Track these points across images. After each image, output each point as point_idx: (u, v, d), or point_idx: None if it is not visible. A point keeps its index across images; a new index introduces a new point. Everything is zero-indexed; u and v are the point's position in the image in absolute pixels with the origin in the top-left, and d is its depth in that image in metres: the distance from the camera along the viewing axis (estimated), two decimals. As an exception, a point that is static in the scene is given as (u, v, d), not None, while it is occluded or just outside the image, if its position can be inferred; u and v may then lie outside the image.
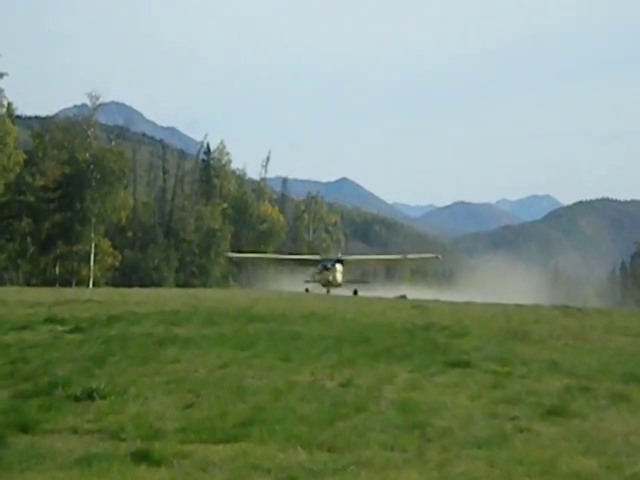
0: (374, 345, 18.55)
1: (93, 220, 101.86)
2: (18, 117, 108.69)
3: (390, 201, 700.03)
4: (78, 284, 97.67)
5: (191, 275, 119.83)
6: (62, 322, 23.59)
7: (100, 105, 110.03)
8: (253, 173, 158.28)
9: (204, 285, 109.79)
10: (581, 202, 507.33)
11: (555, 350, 18.56)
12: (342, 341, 19.17)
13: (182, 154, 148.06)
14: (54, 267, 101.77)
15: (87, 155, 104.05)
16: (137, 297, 40.98)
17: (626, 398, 12.23)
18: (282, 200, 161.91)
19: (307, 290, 79.10)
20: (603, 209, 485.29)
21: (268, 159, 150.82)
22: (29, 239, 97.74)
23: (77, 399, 11.38)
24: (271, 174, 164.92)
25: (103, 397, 11.47)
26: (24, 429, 9.66)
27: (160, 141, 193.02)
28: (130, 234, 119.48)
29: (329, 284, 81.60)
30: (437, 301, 42.98)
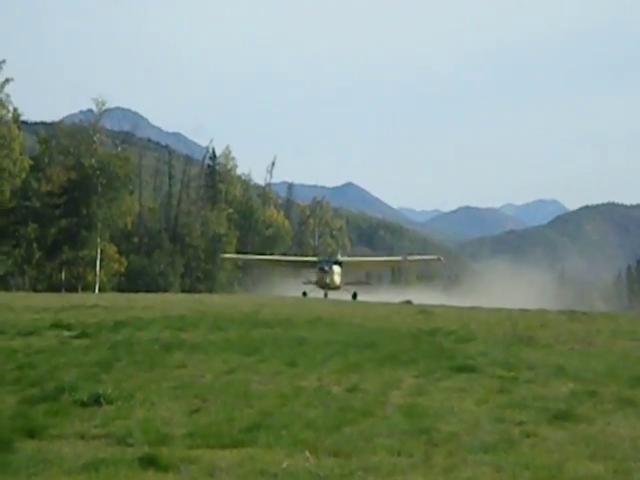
0: (380, 350, 18.55)
1: (99, 225, 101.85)
2: (24, 123, 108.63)
3: (395, 206, 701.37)
4: (84, 289, 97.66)
5: (197, 280, 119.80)
6: (68, 327, 23.65)
7: (106, 111, 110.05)
8: (258, 178, 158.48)
9: (210, 290, 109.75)
10: (587, 207, 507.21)
11: (561, 355, 18.52)
12: (348, 346, 19.18)
13: (188, 159, 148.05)
14: (60, 272, 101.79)
15: (93, 161, 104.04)
16: (143, 302, 41.02)
17: (633, 402, 12.20)
18: (287, 205, 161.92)
19: (304, 293, 77.63)
20: (609, 213, 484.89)
21: (273, 164, 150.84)
22: (35, 245, 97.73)
23: (84, 404, 11.41)
24: (276, 179, 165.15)
25: (110, 402, 11.50)
26: (31, 434, 9.68)
27: (166, 146, 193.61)
28: (136, 239, 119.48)
29: (327, 286, 79.80)
30: (443, 306, 42.91)
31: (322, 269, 79.91)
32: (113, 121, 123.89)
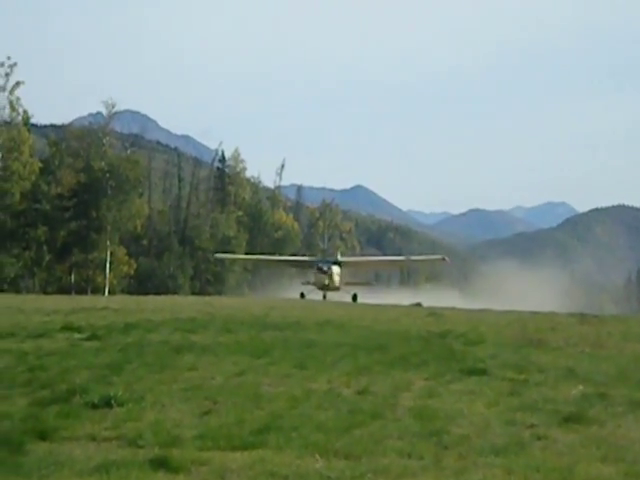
0: (390, 353, 18.54)
1: (109, 228, 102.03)
2: (33, 125, 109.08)
3: (404, 208, 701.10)
4: (94, 292, 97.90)
5: (206, 283, 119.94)
6: (79, 330, 23.73)
7: (115, 113, 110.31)
8: (268, 181, 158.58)
9: (219, 293, 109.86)
10: (597, 209, 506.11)
11: (572, 357, 18.48)
12: (358, 349, 19.18)
13: (197, 162, 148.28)
14: (70, 275, 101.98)
15: (103, 163, 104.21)
16: (153, 305, 41.12)
17: (643, 405, 12.18)
18: (297, 208, 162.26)
19: (302, 295, 75.57)
20: (619, 216, 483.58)
21: (283, 167, 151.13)
22: (45, 247, 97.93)
23: (95, 406, 11.44)
24: (286, 182, 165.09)
25: (121, 404, 11.52)
26: (42, 436, 9.71)
27: (175, 149, 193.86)
28: (145, 242, 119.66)
29: (325, 288, 77.46)
30: (452, 308, 42.89)
31: (321, 269, 77.74)
32: (122, 124, 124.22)
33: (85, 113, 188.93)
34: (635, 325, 31.52)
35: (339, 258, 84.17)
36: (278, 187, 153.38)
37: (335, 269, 78.54)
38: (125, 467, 8.26)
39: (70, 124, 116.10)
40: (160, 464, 8.38)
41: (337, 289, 77.83)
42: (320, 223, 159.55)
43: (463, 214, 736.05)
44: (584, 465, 8.66)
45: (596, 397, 12.79)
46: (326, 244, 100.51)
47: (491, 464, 8.65)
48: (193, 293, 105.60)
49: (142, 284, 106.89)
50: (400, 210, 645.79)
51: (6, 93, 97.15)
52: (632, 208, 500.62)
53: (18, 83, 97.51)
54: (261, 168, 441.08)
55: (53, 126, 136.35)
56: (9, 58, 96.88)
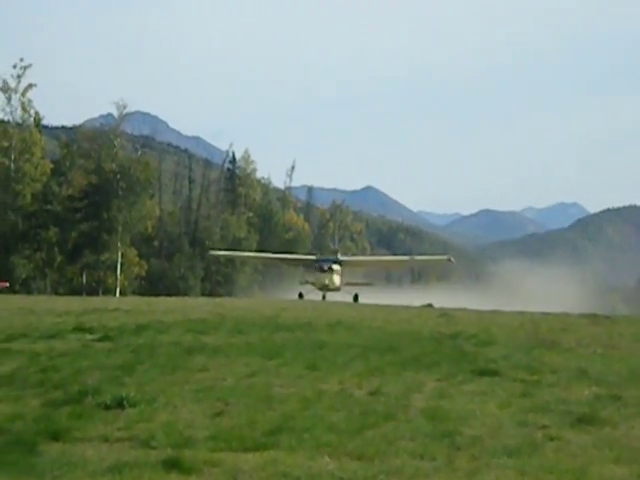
0: (401, 354, 18.52)
1: (119, 229, 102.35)
2: (44, 127, 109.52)
3: (415, 209, 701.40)
4: (105, 293, 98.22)
5: (217, 284, 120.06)
6: (91, 331, 23.78)
7: (126, 115, 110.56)
8: (278, 182, 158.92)
9: (229, 294, 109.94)
10: (608, 209, 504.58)
11: (584, 358, 18.43)
12: (369, 350, 19.16)
13: (207, 163, 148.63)
14: (81, 276, 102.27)
15: (114, 165, 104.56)
16: (164, 306, 41.16)
17: (656, 406, 12.15)
18: (307, 209, 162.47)
19: (301, 295, 73.65)
20: (630, 216, 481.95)
21: (293, 168, 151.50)
22: (56, 248, 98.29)
23: (107, 407, 11.47)
24: (296, 183, 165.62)
25: (133, 405, 11.55)
26: (55, 437, 9.72)
27: (185, 150, 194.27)
28: (156, 243, 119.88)
29: (325, 288, 74.75)
30: (464, 309, 42.78)
31: (321, 268, 75.14)
32: (133, 125, 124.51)
33: (96, 114, 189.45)
34: (647, 326, 31.39)
35: (340, 257, 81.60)
36: (288, 188, 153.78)
37: (335, 269, 76.21)
38: (138, 468, 8.28)
39: (81, 125, 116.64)
40: (172, 465, 8.38)
41: (337, 289, 75.51)
42: (331, 224, 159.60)
43: (474, 215, 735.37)
44: (597, 466, 8.65)
45: (608, 398, 12.76)
46: (336, 245, 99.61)
47: (504, 465, 8.64)
48: (203, 294, 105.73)
49: (153, 285, 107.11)
50: (411, 211, 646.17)
51: (18, 95, 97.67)
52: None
53: (30, 85, 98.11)
54: (271, 169, 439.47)
55: (64, 128, 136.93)
56: (22, 60, 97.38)
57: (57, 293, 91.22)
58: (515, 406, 12.08)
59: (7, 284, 79.15)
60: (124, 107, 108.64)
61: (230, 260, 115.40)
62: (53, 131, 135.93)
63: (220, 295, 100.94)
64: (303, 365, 16.11)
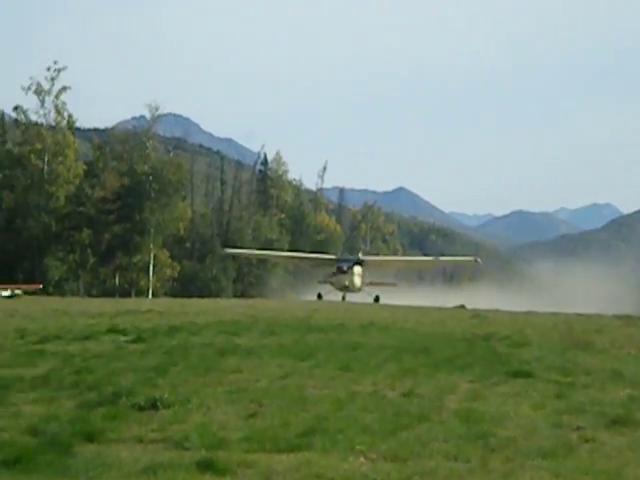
0: (434, 355, 18.47)
1: (152, 231, 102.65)
2: (78, 129, 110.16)
3: (447, 210, 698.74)
4: (137, 295, 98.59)
5: (249, 285, 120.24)
6: (124, 332, 23.94)
7: (159, 117, 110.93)
8: (310, 183, 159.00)
9: (261, 295, 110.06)
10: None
11: (618, 360, 18.30)
12: (402, 351, 19.13)
13: (239, 165, 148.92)
14: (114, 278, 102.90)
15: (146, 167, 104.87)
16: (196, 307, 41.34)
17: (691, 408, 12.03)
18: (339, 210, 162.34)
19: (320, 296, 71.94)
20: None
21: (325, 169, 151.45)
22: (89, 250, 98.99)
23: (141, 408, 11.53)
24: (328, 184, 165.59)
25: (167, 407, 11.61)
26: (90, 438, 9.79)
27: (217, 152, 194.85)
28: (188, 245, 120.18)
29: (345, 289, 72.90)
30: (496, 310, 42.61)
31: (340, 269, 73.07)
32: (165, 127, 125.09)
33: (128, 117, 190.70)
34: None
35: (361, 257, 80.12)
36: (320, 189, 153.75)
37: (356, 270, 74.38)
38: (172, 469, 8.31)
39: (114, 128, 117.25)
40: (206, 466, 8.41)
41: (358, 290, 73.93)
42: (362, 226, 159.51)
43: (507, 216, 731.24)
44: (632, 468, 8.59)
45: (643, 400, 12.67)
46: (368, 246, 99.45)
47: (538, 467, 8.60)
48: (235, 296, 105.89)
49: (185, 287, 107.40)
50: (442, 212, 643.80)
51: (51, 97, 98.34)
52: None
53: (65, 88, 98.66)
54: (303, 171, 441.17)
55: (97, 130, 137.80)
56: (56, 62, 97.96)
57: (90, 295, 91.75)
58: (549, 407, 12.03)
59: (40, 286, 79.75)
60: (156, 109, 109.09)
61: (262, 261, 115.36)
62: (86, 133, 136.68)
63: (252, 296, 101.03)
64: (336, 366, 16.11)
